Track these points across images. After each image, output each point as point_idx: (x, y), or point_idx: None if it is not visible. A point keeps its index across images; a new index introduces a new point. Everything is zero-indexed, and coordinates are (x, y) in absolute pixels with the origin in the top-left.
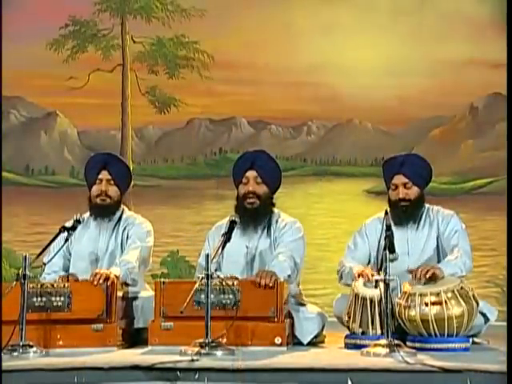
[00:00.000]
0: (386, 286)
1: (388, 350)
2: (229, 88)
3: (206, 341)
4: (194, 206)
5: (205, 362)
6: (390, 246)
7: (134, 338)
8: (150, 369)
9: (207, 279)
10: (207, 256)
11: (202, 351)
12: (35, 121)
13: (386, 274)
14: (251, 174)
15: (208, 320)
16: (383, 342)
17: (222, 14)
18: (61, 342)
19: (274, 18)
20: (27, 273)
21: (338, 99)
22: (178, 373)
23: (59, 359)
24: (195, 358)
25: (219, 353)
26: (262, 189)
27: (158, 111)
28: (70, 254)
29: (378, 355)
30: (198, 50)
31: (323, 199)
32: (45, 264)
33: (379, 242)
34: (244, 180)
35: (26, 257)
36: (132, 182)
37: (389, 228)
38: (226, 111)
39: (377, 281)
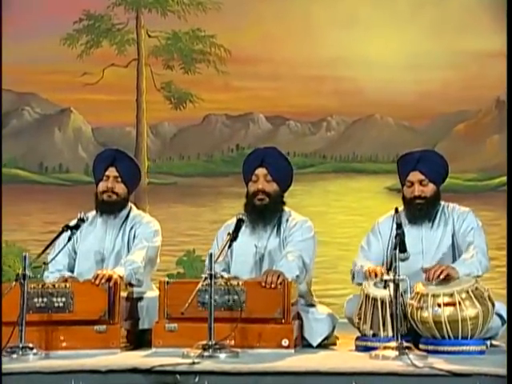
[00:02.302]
0: (396, 286)
1: (397, 352)
2: (246, 83)
3: (210, 343)
4: (210, 203)
5: (206, 365)
6: (400, 245)
7: (140, 339)
8: (148, 372)
9: (210, 279)
10: (210, 255)
11: (205, 353)
12: (49, 118)
13: (395, 273)
14: (261, 171)
15: (211, 321)
16: (393, 344)
17: (239, 7)
18: (63, 344)
19: (293, 10)
20: (27, 273)
21: (358, 94)
22: (178, 376)
23: (58, 361)
24: (196, 360)
25: (223, 355)
26: (272, 187)
27: (174, 107)
28: (75, 253)
29: (387, 358)
30: (214, 44)
31: (343, 197)
32: (45, 264)
33: (389, 241)
34: (254, 177)
35: (25, 256)
36: (147, 180)
37: (399, 226)
38: (244, 107)
39: (386, 281)
